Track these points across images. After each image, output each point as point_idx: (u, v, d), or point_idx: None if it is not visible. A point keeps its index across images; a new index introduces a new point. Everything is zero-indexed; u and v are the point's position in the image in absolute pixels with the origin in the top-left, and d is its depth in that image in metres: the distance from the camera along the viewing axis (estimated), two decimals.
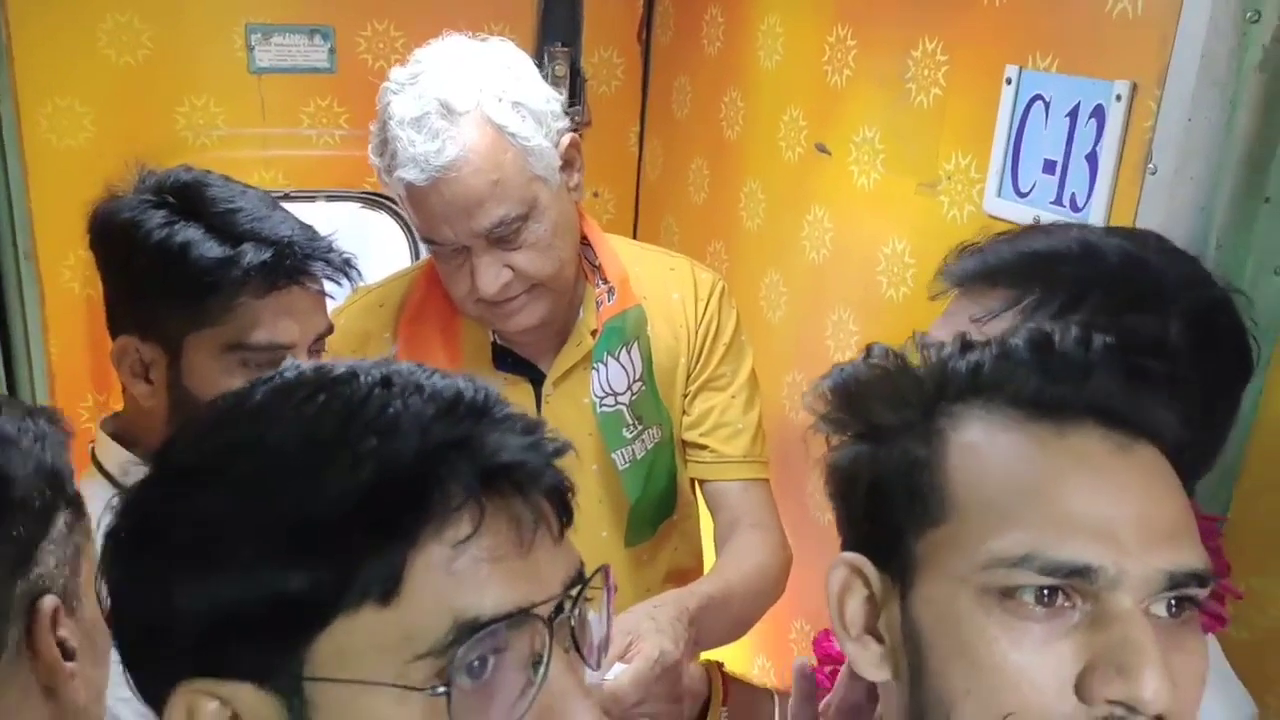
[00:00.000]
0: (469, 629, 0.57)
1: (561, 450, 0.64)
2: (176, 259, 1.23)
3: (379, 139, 1.43)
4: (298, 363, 0.67)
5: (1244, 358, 0.95)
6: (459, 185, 1.35)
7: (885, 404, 0.74)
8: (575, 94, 2.28)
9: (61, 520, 0.82)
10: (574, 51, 2.27)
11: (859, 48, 1.67)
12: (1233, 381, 0.96)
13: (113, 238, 1.28)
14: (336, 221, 2.30)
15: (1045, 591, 0.66)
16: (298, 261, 1.27)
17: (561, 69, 2.25)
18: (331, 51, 2.10)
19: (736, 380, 1.66)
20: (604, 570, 0.67)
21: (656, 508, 1.68)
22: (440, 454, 0.59)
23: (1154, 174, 1.19)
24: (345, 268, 1.34)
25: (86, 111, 1.97)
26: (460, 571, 0.58)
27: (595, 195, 2.37)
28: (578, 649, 0.64)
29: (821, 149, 1.78)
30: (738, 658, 1.84)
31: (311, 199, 2.18)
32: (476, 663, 0.58)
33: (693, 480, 1.70)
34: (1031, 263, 0.97)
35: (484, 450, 0.59)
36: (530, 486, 0.62)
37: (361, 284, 1.48)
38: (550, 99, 1.45)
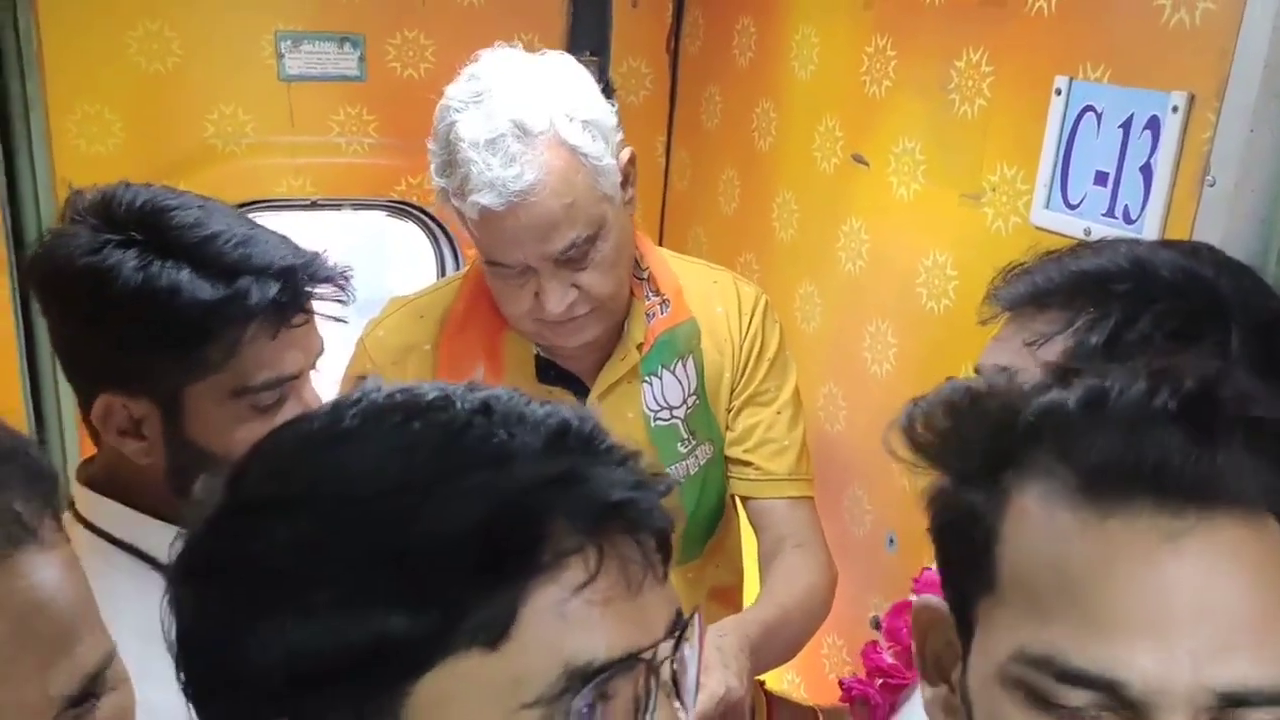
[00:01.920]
0: (580, 676, 0.55)
1: (669, 488, 0.62)
2: (164, 307, 1.07)
3: (445, 159, 1.38)
4: (381, 382, 0.63)
5: None
6: (536, 209, 1.33)
7: (953, 450, 0.67)
8: None
9: None
10: (602, 61, 2.26)
11: (899, 58, 1.66)
12: None
13: (74, 285, 1.10)
14: (363, 229, 2.31)
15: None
16: (308, 291, 1.15)
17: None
18: (361, 59, 2.09)
19: (781, 396, 1.64)
20: (697, 612, 0.65)
21: (707, 525, 1.66)
22: (552, 490, 0.56)
23: (1212, 186, 1.18)
24: (344, 282, 1.19)
25: (115, 118, 1.96)
26: (572, 615, 0.56)
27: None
28: (677, 692, 0.62)
29: (859, 160, 1.76)
30: (771, 674, 1.82)
31: (339, 207, 2.17)
32: (585, 709, 0.55)
33: (733, 497, 1.69)
34: (1082, 283, 0.95)
35: (596, 487, 0.57)
36: (640, 526, 0.59)
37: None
38: (611, 114, 1.43)
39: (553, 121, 1.34)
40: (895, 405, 1.78)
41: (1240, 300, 0.92)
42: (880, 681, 1.29)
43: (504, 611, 0.54)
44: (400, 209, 2.22)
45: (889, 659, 1.30)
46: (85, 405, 1.14)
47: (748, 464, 1.60)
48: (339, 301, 1.18)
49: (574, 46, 2.23)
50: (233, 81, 2.03)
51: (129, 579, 1.08)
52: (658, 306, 1.54)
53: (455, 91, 1.38)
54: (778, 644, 1.44)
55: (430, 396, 0.60)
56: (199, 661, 0.59)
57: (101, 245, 1.08)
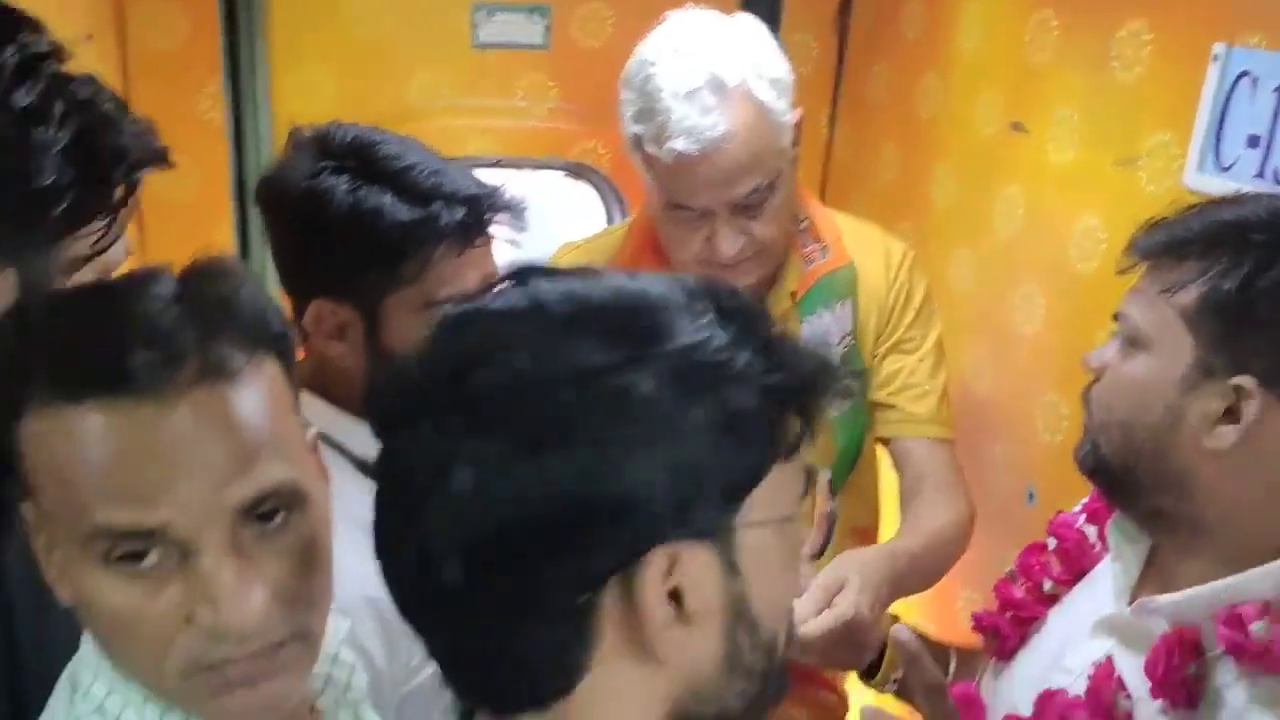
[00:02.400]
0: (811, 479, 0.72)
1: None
2: (369, 227, 1.21)
3: (642, 107, 1.50)
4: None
5: None
6: (726, 157, 1.45)
7: None
8: None
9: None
10: (772, 33, 2.35)
11: (1061, 29, 1.71)
12: None
13: (294, 205, 1.25)
14: (541, 188, 2.48)
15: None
16: (490, 215, 1.27)
17: None
18: (547, 29, 2.25)
19: (925, 344, 1.72)
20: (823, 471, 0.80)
21: (850, 462, 1.75)
22: (814, 380, 0.69)
23: None
24: (519, 212, 1.31)
25: (328, 80, 2.18)
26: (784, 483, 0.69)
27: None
28: None
29: (1018, 128, 1.82)
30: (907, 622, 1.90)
31: (519, 167, 2.34)
32: None
33: (878, 440, 1.77)
34: (1220, 232, 0.99)
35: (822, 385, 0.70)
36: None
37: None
38: (790, 74, 1.54)
39: (745, 78, 1.46)
40: (1041, 365, 1.85)
41: None
42: (1010, 614, 1.36)
43: (802, 436, 0.68)
44: (576, 170, 2.38)
45: (1020, 593, 1.37)
46: (298, 312, 1.30)
47: (891, 406, 1.69)
48: (515, 227, 1.31)
49: None
50: (432, 48, 2.22)
51: (338, 473, 1.25)
52: (817, 253, 1.64)
53: (652, 45, 1.51)
54: (917, 575, 1.52)
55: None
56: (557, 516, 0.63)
57: (319, 172, 1.23)
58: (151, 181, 2.07)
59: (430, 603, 0.67)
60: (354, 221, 1.20)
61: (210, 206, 2.13)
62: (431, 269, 1.23)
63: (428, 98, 2.23)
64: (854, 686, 1.76)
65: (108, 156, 0.86)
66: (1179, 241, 1.02)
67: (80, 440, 0.69)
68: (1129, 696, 1.03)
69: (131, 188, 0.90)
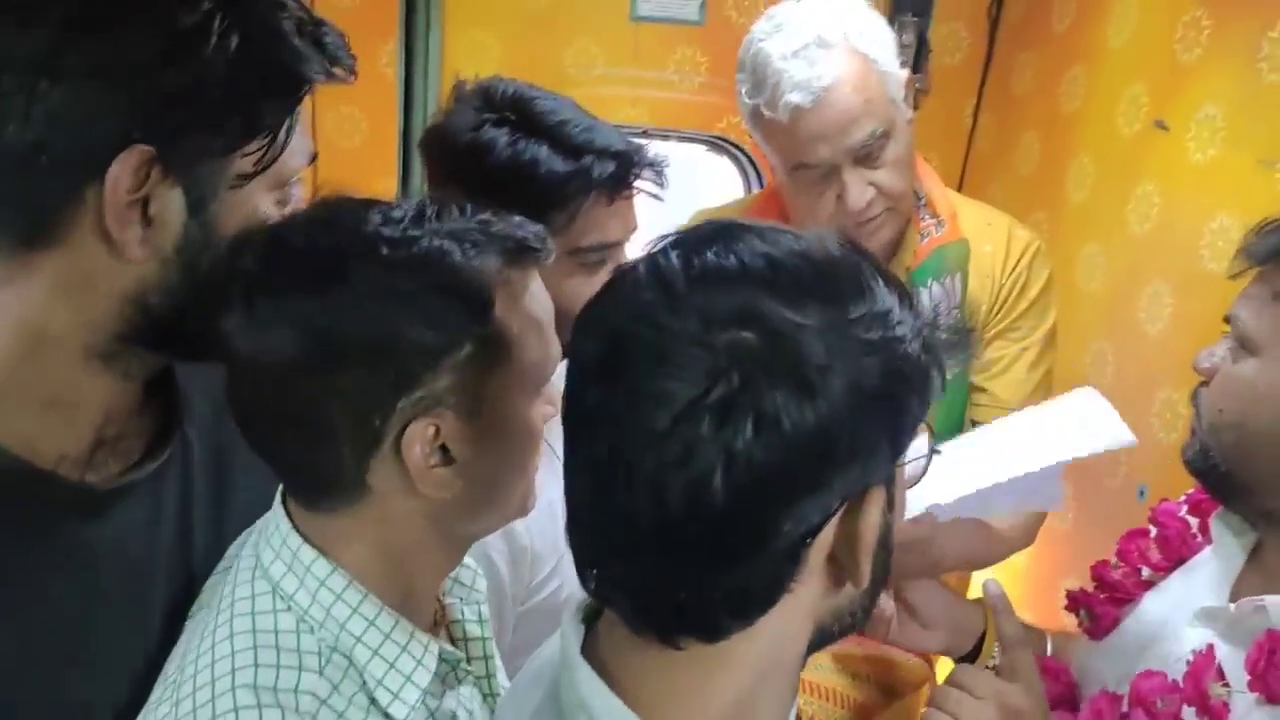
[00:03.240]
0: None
1: None
2: (527, 176, 1.27)
3: (754, 80, 1.59)
4: None
5: None
6: (838, 104, 1.53)
7: None
8: (918, 63, 2.41)
9: (466, 349, 0.84)
10: (923, 23, 2.40)
11: (1213, 27, 1.71)
12: None
13: (459, 155, 1.33)
14: (685, 159, 2.57)
15: None
16: (637, 170, 1.34)
17: (909, 38, 2.38)
18: (702, 6, 2.34)
19: (1033, 335, 1.74)
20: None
21: (949, 436, 1.80)
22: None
23: None
24: (664, 171, 1.39)
25: (495, 45, 2.32)
26: None
27: (925, 161, 2.50)
28: None
29: (1160, 125, 1.83)
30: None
31: (666, 137, 2.44)
32: None
33: (969, 421, 1.81)
34: None
35: None
36: None
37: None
38: (892, 39, 1.61)
39: (846, 34, 1.54)
40: (1164, 363, 1.84)
41: None
42: (1105, 595, 1.39)
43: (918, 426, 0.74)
44: (719, 144, 2.46)
45: (1116, 575, 1.40)
46: None
47: (984, 390, 1.73)
48: (657, 184, 1.40)
49: (898, 7, 2.38)
50: (592, 19, 2.34)
51: None
52: (933, 227, 1.69)
53: (759, 27, 1.62)
54: (972, 537, 1.56)
55: None
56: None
57: (481, 124, 1.31)
58: (327, 128, 2.27)
59: (642, 535, 0.67)
60: (513, 171, 1.28)
61: (378, 154, 2.29)
62: (580, 218, 1.31)
63: (584, 66, 2.35)
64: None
65: (272, 75, 0.88)
66: None
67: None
68: (1226, 685, 1.05)
69: (296, 104, 0.91)
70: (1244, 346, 1.06)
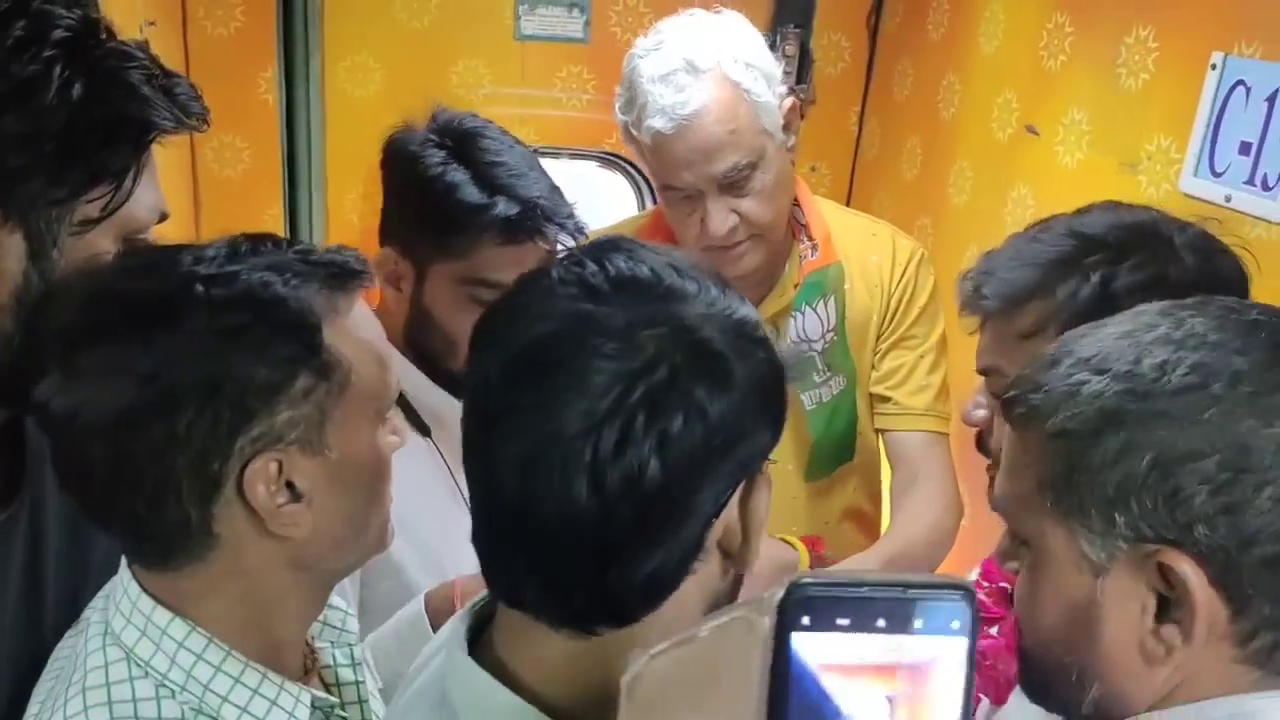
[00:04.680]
0: None
1: None
2: (441, 197, 1.39)
3: (627, 97, 1.61)
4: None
5: (1242, 270, 1.06)
6: (700, 132, 1.53)
7: None
8: (802, 74, 2.44)
9: (301, 381, 0.84)
10: (805, 33, 2.43)
11: (1075, 34, 1.77)
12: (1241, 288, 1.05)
13: (398, 164, 1.47)
14: (576, 176, 2.57)
15: None
16: (537, 222, 1.41)
17: (791, 49, 2.41)
18: (587, 24, 2.34)
19: (927, 342, 1.78)
20: None
21: (835, 449, 1.83)
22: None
23: None
24: (577, 234, 1.48)
25: (378, 67, 2.29)
26: None
27: (813, 169, 2.53)
28: None
29: (1031, 130, 1.88)
30: None
31: (557, 155, 2.43)
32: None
33: (878, 432, 1.84)
34: (1046, 272, 1.07)
35: None
36: None
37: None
38: (775, 65, 1.61)
39: (719, 61, 1.54)
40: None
41: (1173, 224, 1.08)
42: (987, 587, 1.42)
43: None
44: (609, 160, 2.47)
45: (981, 596, 1.43)
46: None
47: (888, 399, 1.76)
48: (569, 240, 1.47)
49: (779, 18, 2.41)
50: (477, 40, 2.32)
51: None
52: (809, 250, 1.71)
53: (641, 42, 1.62)
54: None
55: None
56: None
57: (426, 141, 1.44)
58: (207, 159, 2.22)
59: (574, 526, 0.69)
60: (433, 189, 1.40)
61: (262, 183, 2.25)
62: (478, 250, 1.40)
63: (471, 86, 2.34)
64: None
65: (114, 122, 0.88)
66: (1016, 294, 1.09)
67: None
68: None
69: (140, 150, 0.92)
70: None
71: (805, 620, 0.53)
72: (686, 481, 0.70)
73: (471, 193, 1.39)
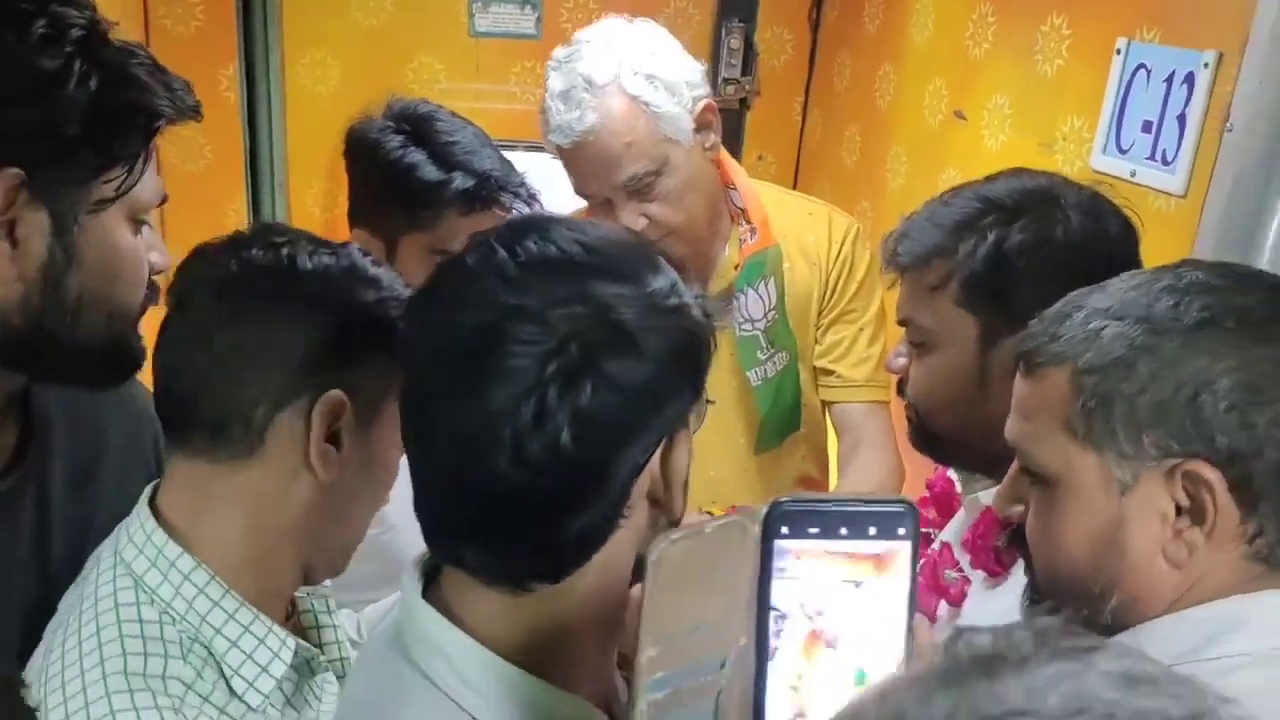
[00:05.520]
0: None
1: None
2: (404, 176, 1.51)
3: (541, 109, 1.69)
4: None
5: (1131, 229, 1.15)
6: (597, 146, 1.60)
7: None
8: (747, 66, 2.54)
9: (384, 358, 0.94)
10: (749, 28, 2.53)
11: (998, 23, 1.88)
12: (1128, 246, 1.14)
13: (360, 151, 1.57)
14: (531, 169, 2.65)
15: None
16: (493, 192, 1.52)
17: (736, 43, 2.52)
18: (539, 20, 2.43)
19: (866, 315, 1.87)
20: None
21: (783, 421, 1.92)
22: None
23: (1231, 132, 1.37)
24: (531, 200, 1.61)
25: (336, 64, 2.37)
26: None
27: (760, 159, 2.64)
28: None
29: (959, 115, 1.98)
30: None
31: (512, 148, 2.49)
32: None
33: (823, 403, 1.94)
34: (950, 231, 1.17)
35: None
36: None
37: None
38: (689, 70, 1.68)
39: (618, 76, 1.61)
40: None
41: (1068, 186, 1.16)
42: None
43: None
44: None
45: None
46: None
47: (831, 372, 1.85)
48: (520, 210, 1.59)
49: (724, 13, 2.51)
50: (432, 36, 2.41)
51: None
52: (748, 234, 1.80)
53: (558, 52, 1.68)
54: None
55: None
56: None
57: (384, 129, 1.55)
58: (169, 154, 2.28)
59: (505, 494, 0.74)
60: (394, 170, 1.51)
61: (225, 177, 2.32)
62: (443, 222, 1.51)
63: (427, 81, 2.42)
64: None
65: (126, 111, 0.97)
66: (926, 252, 1.18)
67: None
68: (959, 570, 1.21)
69: (149, 137, 1.01)
70: (923, 345, 1.21)
71: (784, 530, 0.67)
72: (604, 448, 0.74)
73: (431, 170, 1.51)
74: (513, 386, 0.72)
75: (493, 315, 0.74)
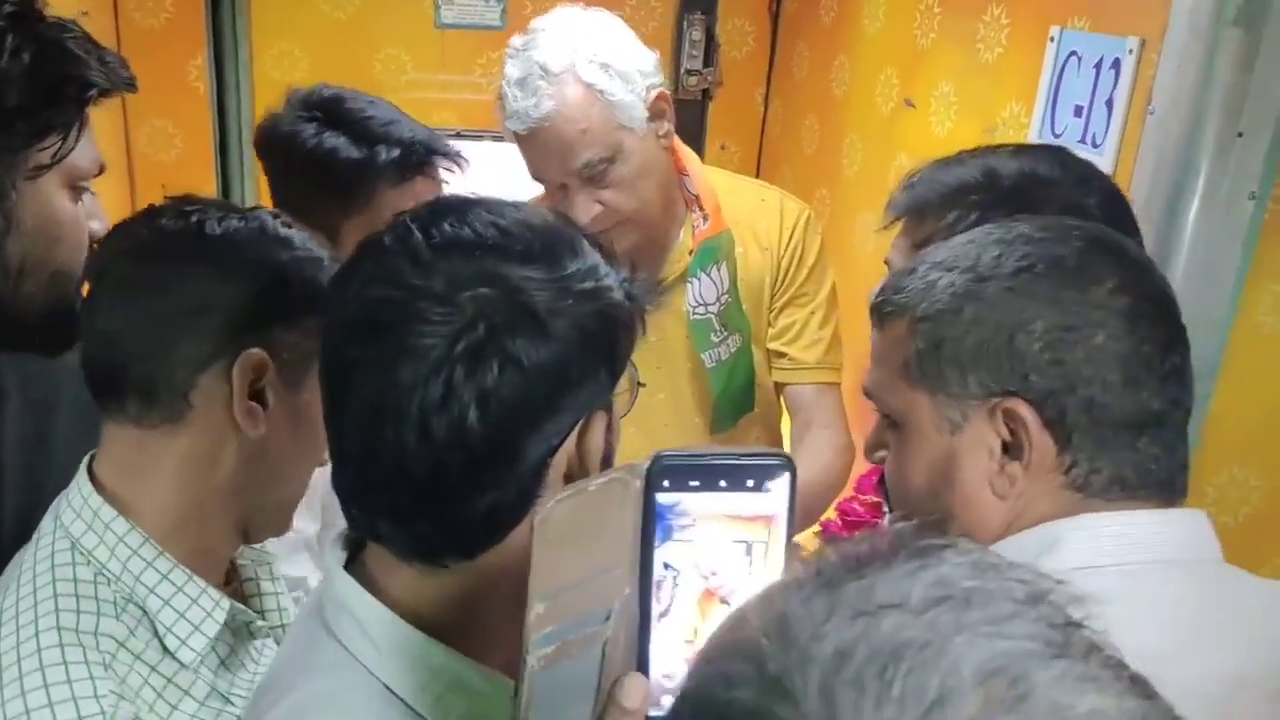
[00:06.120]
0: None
1: None
2: (327, 162, 1.49)
3: (498, 94, 1.72)
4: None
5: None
6: (551, 133, 1.63)
7: None
8: (709, 57, 2.60)
9: (309, 318, 0.95)
10: (710, 20, 2.59)
11: (943, 13, 1.94)
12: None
13: (276, 148, 1.56)
14: (497, 158, 2.70)
15: None
16: (421, 157, 1.53)
17: (698, 35, 2.57)
18: (503, 12, 2.48)
19: (817, 298, 1.93)
20: None
21: (737, 402, 1.97)
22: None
23: (1153, 114, 1.43)
24: (458, 160, 1.63)
25: (304, 55, 2.41)
26: None
27: (723, 148, 2.69)
28: None
29: (909, 104, 2.04)
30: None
31: (479, 138, 2.56)
32: None
33: (775, 384, 2.00)
34: (945, 195, 1.20)
35: None
36: None
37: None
38: (643, 60, 1.73)
39: (573, 63, 1.64)
40: None
41: (1075, 184, 1.16)
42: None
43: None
44: None
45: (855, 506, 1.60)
46: None
47: (783, 355, 1.91)
48: (450, 171, 1.61)
49: (686, 6, 2.57)
50: (398, 28, 2.45)
51: None
52: (700, 220, 1.85)
53: (514, 41, 1.71)
54: (798, 510, 1.74)
55: None
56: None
57: (295, 120, 1.53)
58: (140, 143, 2.33)
59: (411, 471, 0.76)
60: (316, 159, 1.49)
61: (195, 166, 2.37)
62: (376, 200, 1.50)
63: (394, 72, 2.47)
64: None
65: (59, 81, 1.02)
66: (919, 204, 1.21)
67: None
68: None
69: (82, 106, 1.06)
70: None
71: (665, 483, 0.70)
72: (510, 428, 0.75)
73: (353, 150, 1.49)
74: (420, 364, 0.73)
75: (402, 294, 0.75)
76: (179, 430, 0.98)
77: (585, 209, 1.70)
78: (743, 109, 2.68)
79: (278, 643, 1.12)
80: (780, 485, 0.71)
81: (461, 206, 0.82)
